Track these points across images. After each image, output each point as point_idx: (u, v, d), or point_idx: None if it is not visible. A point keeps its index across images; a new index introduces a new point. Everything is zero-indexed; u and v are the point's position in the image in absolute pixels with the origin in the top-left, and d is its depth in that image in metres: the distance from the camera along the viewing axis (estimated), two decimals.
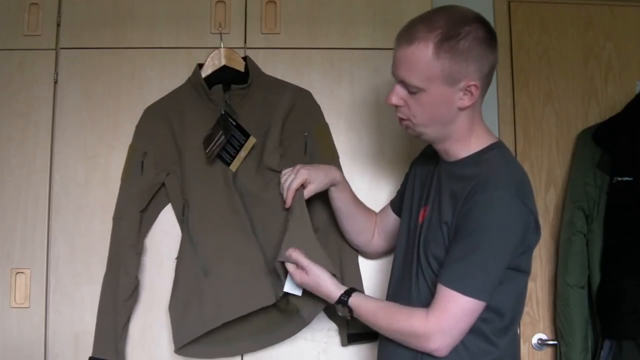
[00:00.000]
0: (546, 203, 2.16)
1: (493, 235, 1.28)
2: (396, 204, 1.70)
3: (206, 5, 1.93)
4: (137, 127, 1.85)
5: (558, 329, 2.02)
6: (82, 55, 1.92)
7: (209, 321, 1.66)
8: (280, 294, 1.65)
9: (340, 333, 1.80)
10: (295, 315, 1.73)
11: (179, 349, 1.68)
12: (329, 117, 1.90)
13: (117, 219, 1.81)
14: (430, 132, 1.41)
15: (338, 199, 1.69)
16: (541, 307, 2.10)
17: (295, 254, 1.54)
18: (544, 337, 2.09)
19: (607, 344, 1.90)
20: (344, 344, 1.80)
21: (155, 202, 1.83)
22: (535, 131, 2.19)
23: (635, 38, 2.22)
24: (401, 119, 1.43)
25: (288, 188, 1.62)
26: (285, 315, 1.74)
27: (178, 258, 1.76)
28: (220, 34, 1.88)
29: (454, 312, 1.29)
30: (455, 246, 1.32)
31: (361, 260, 1.84)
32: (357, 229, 1.74)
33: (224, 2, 1.93)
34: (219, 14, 1.93)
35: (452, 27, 1.31)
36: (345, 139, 1.90)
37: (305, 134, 1.84)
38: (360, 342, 1.79)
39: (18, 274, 1.83)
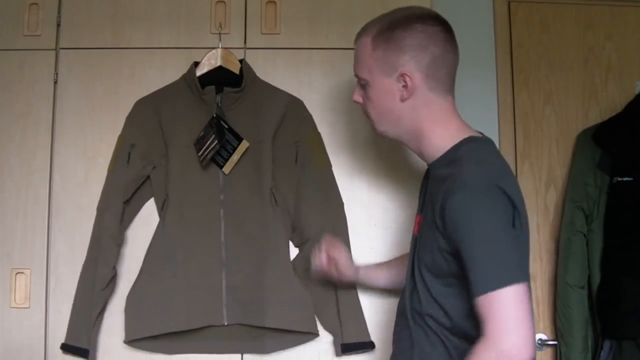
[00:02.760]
0: (546, 203, 2.15)
1: (484, 227, 1.22)
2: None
3: (206, 6, 1.93)
4: (127, 118, 1.86)
5: (558, 329, 2.02)
6: (82, 55, 1.92)
7: (159, 325, 1.71)
8: (233, 322, 1.73)
9: (335, 343, 1.80)
10: (258, 339, 1.76)
11: (129, 342, 1.73)
12: (329, 117, 1.90)
13: (101, 209, 1.82)
14: (386, 129, 1.42)
15: (367, 278, 1.73)
16: (541, 307, 2.10)
17: None
18: (544, 337, 2.09)
19: (607, 344, 1.90)
20: (338, 354, 1.79)
21: (139, 194, 1.84)
22: (535, 131, 2.18)
23: (635, 38, 2.22)
24: (367, 116, 1.46)
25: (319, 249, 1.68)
26: (251, 334, 1.76)
27: (148, 250, 1.78)
28: (219, 34, 1.88)
29: (505, 313, 1.17)
30: (463, 261, 1.24)
31: None
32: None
33: (224, 2, 1.93)
34: (219, 14, 1.93)
35: (393, 21, 1.37)
36: (344, 138, 1.90)
37: (297, 143, 1.85)
38: (354, 351, 1.78)
39: (18, 274, 1.83)
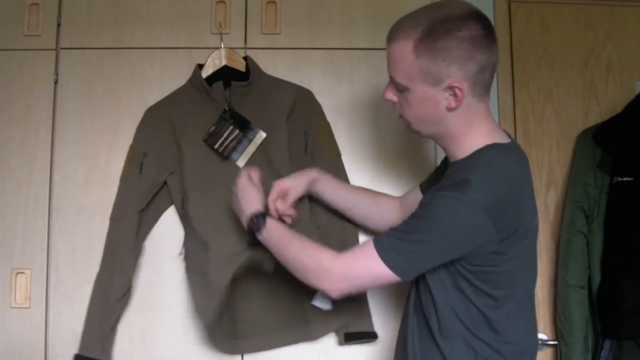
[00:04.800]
0: (546, 203, 2.15)
1: (436, 230, 1.26)
2: (424, 186, 1.64)
3: (206, 6, 1.94)
4: (138, 128, 1.85)
5: (558, 329, 2.02)
6: (82, 56, 1.92)
7: (216, 298, 1.65)
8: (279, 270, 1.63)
9: (338, 332, 1.80)
10: (304, 326, 1.74)
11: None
12: (330, 117, 1.90)
13: (115, 219, 1.81)
14: (424, 130, 1.39)
15: (324, 191, 1.70)
16: (541, 307, 2.10)
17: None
18: (544, 337, 2.09)
19: (607, 344, 1.90)
20: (340, 343, 1.80)
21: (156, 204, 1.83)
22: (536, 131, 2.18)
23: (635, 38, 2.22)
24: (399, 115, 1.42)
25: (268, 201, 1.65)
26: (296, 322, 1.75)
27: (186, 257, 1.77)
28: (221, 34, 1.88)
29: (364, 266, 1.31)
30: (405, 220, 1.32)
31: None
32: (369, 215, 1.71)
33: (224, 2, 1.93)
34: (219, 14, 1.93)
35: (434, 25, 1.28)
36: (345, 138, 1.91)
37: (306, 133, 1.84)
38: (357, 341, 1.79)
39: (18, 274, 1.83)
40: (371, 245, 1.31)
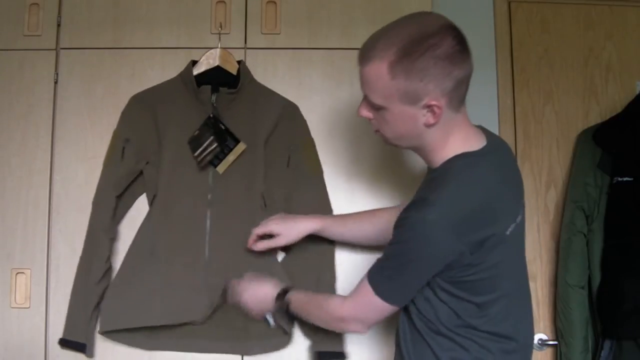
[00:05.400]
0: (546, 203, 2.16)
1: (411, 252, 1.29)
2: None
3: (206, 6, 1.94)
4: (122, 113, 1.86)
5: (558, 329, 2.02)
6: (82, 56, 1.92)
7: (134, 319, 1.72)
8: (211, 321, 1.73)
9: (310, 350, 1.79)
10: (245, 341, 1.76)
11: (104, 332, 1.74)
12: (329, 118, 1.90)
13: (96, 203, 1.82)
14: (401, 144, 1.40)
15: (331, 237, 1.76)
16: (541, 307, 2.10)
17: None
18: (544, 337, 2.09)
19: (607, 344, 1.90)
20: None
21: (132, 189, 1.84)
22: (536, 131, 2.19)
23: (635, 38, 2.22)
24: (376, 130, 1.41)
25: (252, 232, 1.73)
26: (238, 335, 1.76)
27: (131, 244, 1.79)
28: (219, 34, 1.88)
29: (365, 304, 1.38)
30: (386, 247, 1.36)
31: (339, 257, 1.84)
32: (374, 236, 1.70)
33: (224, 2, 1.93)
34: (219, 14, 1.93)
35: (408, 44, 1.25)
36: (344, 139, 1.90)
37: (290, 147, 1.84)
38: None
39: (18, 274, 1.83)
40: (366, 282, 1.37)
